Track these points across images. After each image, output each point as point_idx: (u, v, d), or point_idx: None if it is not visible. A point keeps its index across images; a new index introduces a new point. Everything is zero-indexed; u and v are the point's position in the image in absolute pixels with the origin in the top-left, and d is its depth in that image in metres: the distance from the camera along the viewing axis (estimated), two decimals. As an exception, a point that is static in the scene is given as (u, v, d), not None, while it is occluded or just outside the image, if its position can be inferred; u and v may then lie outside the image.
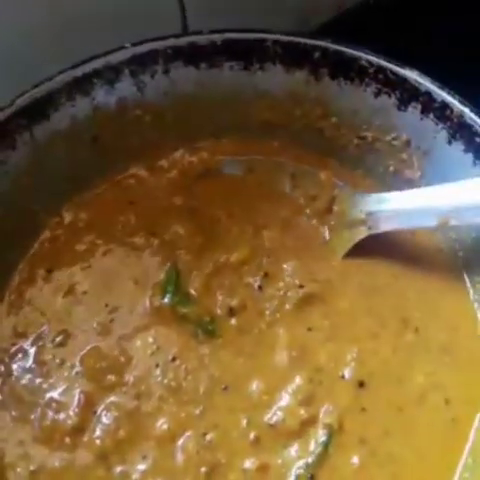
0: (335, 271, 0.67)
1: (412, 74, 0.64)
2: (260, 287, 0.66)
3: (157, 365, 0.61)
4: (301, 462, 0.57)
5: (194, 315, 0.64)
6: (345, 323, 0.64)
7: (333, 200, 0.69)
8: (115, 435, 0.58)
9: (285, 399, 0.59)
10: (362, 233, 0.66)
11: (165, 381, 0.60)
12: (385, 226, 0.65)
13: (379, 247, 0.66)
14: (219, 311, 0.64)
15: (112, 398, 0.60)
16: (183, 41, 0.67)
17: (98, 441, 0.58)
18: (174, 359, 0.61)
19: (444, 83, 0.64)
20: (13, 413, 0.60)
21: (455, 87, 0.63)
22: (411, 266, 0.67)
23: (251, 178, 0.73)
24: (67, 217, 0.70)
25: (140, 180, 0.72)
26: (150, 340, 0.62)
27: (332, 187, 0.70)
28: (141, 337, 0.63)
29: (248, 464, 0.57)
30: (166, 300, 0.64)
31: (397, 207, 0.64)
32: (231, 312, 0.64)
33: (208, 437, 0.58)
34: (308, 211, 0.70)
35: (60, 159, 0.68)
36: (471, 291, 0.66)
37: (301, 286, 0.65)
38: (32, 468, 0.57)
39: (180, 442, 0.58)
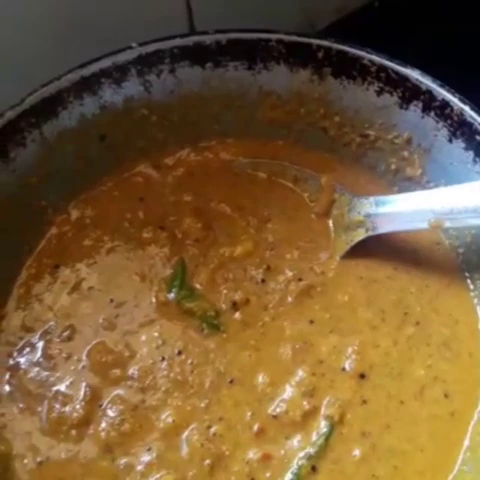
0: (335, 264, 0.68)
1: (413, 73, 0.65)
2: (263, 280, 0.66)
3: (163, 359, 0.62)
4: (303, 453, 0.58)
5: (199, 310, 0.64)
6: (346, 316, 0.64)
7: (332, 204, 0.70)
8: (120, 428, 0.59)
9: (288, 391, 0.60)
10: (360, 235, 0.67)
11: (171, 375, 0.61)
12: (383, 228, 0.66)
13: (380, 243, 0.67)
14: (224, 306, 0.65)
15: (117, 391, 0.61)
16: (189, 41, 0.69)
17: (103, 433, 0.59)
18: (180, 353, 0.62)
19: (445, 82, 0.64)
20: (21, 405, 0.61)
21: (456, 86, 0.64)
22: (412, 261, 0.68)
23: (256, 175, 0.74)
24: (74, 214, 0.71)
25: (147, 177, 0.73)
26: (155, 334, 0.63)
27: (332, 191, 0.70)
28: (146, 332, 0.64)
29: (251, 454, 0.57)
30: (172, 295, 0.65)
31: (395, 210, 0.65)
32: (235, 306, 0.65)
33: (212, 430, 0.59)
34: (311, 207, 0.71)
35: (68, 157, 0.70)
36: (471, 286, 0.66)
37: (301, 279, 0.66)
38: (39, 459, 0.58)
39: (185, 435, 0.58)
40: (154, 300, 0.66)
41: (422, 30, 0.85)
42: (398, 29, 0.85)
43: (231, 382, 0.61)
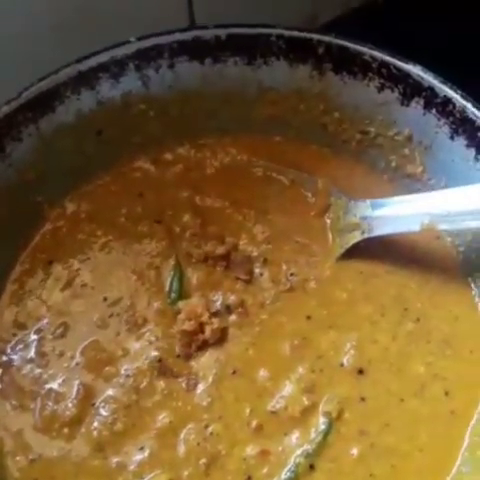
0: (332, 261, 0.67)
1: (415, 69, 0.64)
2: (261, 274, 0.66)
3: (159, 360, 0.61)
4: (301, 450, 0.57)
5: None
6: (344, 311, 0.64)
7: (328, 208, 0.70)
8: (113, 427, 0.58)
9: (288, 387, 0.59)
10: (356, 237, 0.66)
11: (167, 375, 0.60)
12: (379, 230, 0.65)
13: (378, 238, 0.66)
14: (219, 306, 0.64)
15: (111, 391, 0.60)
16: (188, 36, 0.68)
17: (95, 432, 0.58)
18: (178, 356, 0.61)
19: (448, 78, 0.64)
20: (13, 402, 0.60)
21: (457, 82, 0.63)
22: (412, 257, 0.67)
23: (254, 171, 0.73)
24: (69, 208, 0.70)
25: (145, 173, 0.73)
26: (149, 335, 0.62)
27: (328, 195, 0.70)
28: (141, 331, 0.63)
29: (249, 451, 0.57)
30: (168, 297, 0.64)
31: (391, 213, 0.65)
32: (229, 308, 0.64)
33: (210, 429, 0.58)
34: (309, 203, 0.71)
35: (65, 152, 0.69)
36: (472, 284, 0.66)
37: (298, 274, 0.66)
38: (31, 457, 0.57)
39: (180, 434, 0.58)
40: (149, 300, 0.65)
41: (425, 28, 0.85)
42: (402, 25, 0.84)
43: (234, 373, 0.60)
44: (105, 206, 0.70)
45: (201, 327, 0.62)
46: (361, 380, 0.60)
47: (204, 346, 0.62)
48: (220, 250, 0.66)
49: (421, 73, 0.64)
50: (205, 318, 0.62)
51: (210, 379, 0.60)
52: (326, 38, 0.67)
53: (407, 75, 0.65)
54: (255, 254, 0.67)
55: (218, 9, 0.78)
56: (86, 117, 0.69)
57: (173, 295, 0.64)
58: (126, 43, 0.67)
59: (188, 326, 0.61)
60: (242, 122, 0.73)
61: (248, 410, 0.59)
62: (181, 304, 0.63)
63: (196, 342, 0.62)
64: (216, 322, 0.62)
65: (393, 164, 0.70)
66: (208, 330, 0.61)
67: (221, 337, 0.62)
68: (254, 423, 0.58)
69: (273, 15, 0.72)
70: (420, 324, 0.63)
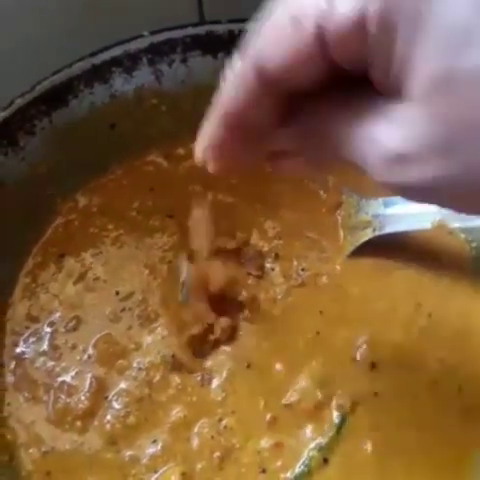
0: (344, 257, 0.67)
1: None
2: (272, 269, 0.66)
3: (173, 356, 0.61)
4: (314, 443, 0.57)
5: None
6: (356, 305, 0.64)
7: (339, 205, 0.70)
8: (125, 420, 0.58)
9: (302, 381, 0.59)
10: (367, 235, 0.66)
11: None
12: (390, 228, 0.65)
13: (391, 235, 0.66)
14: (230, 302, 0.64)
15: (124, 384, 0.60)
16: (201, 30, 0.68)
17: (108, 425, 0.58)
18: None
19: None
20: (26, 395, 0.60)
21: None
22: (424, 253, 0.66)
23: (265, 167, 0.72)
24: (81, 201, 0.71)
25: (158, 167, 0.73)
26: (161, 330, 0.62)
27: (339, 193, 0.70)
28: (153, 326, 0.63)
29: (263, 443, 0.57)
30: (180, 294, 0.64)
31: (403, 210, 0.65)
32: (241, 305, 0.64)
33: (224, 423, 0.58)
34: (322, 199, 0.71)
35: (78, 145, 0.69)
36: (485, 280, 0.66)
37: (308, 269, 0.66)
38: (44, 449, 0.58)
39: (194, 428, 0.58)
40: (161, 294, 0.64)
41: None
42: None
43: (248, 367, 0.60)
44: (117, 200, 0.70)
45: (210, 328, 0.62)
46: (374, 375, 0.60)
47: (217, 344, 0.62)
48: (231, 245, 0.66)
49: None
50: (211, 319, 0.62)
51: (224, 374, 0.60)
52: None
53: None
54: (266, 249, 0.67)
55: (226, 4, 0.77)
56: (99, 111, 0.69)
57: (184, 291, 0.64)
58: (139, 37, 0.68)
59: (196, 330, 0.61)
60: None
61: (262, 403, 0.59)
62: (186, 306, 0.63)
63: (208, 343, 0.61)
64: (224, 321, 0.62)
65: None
66: (217, 329, 0.61)
67: (233, 333, 0.62)
68: (268, 416, 0.58)
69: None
70: (433, 319, 0.63)
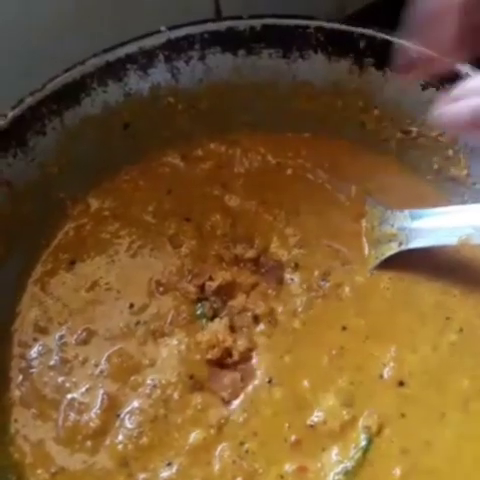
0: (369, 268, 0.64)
1: (464, 68, 0.61)
2: (291, 279, 0.63)
3: (191, 377, 0.58)
4: (340, 467, 0.54)
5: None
6: (381, 319, 0.61)
7: (363, 214, 0.67)
8: (138, 441, 0.55)
9: (327, 400, 0.57)
10: (392, 249, 0.63)
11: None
12: (416, 243, 0.62)
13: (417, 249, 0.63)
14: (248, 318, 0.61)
15: (137, 402, 0.57)
16: (221, 26, 0.65)
17: (120, 446, 0.55)
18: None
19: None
20: (34, 411, 0.57)
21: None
22: (454, 265, 0.64)
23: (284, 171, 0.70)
24: (94, 204, 0.68)
25: (174, 168, 0.70)
26: (176, 343, 0.59)
27: (362, 202, 0.67)
28: (169, 340, 0.60)
29: (286, 467, 0.54)
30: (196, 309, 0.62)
31: (430, 224, 0.62)
32: (256, 318, 0.61)
33: (246, 446, 0.55)
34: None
35: (90, 146, 0.66)
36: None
37: (330, 280, 0.63)
38: (53, 470, 0.55)
39: (214, 452, 0.55)
40: (177, 308, 0.61)
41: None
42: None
43: (271, 383, 0.58)
44: (131, 203, 0.68)
45: (227, 351, 0.59)
46: (401, 393, 0.57)
47: (235, 365, 0.59)
48: (250, 253, 0.64)
49: (469, 71, 0.60)
50: (229, 343, 0.59)
51: (244, 393, 0.57)
52: (369, 31, 0.63)
53: (455, 74, 0.61)
54: (286, 258, 0.64)
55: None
56: (113, 110, 0.66)
57: (200, 310, 0.61)
58: (156, 33, 0.65)
59: (212, 355, 0.58)
60: (274, 118, 0.70)
61: (286, 425, 0.56)
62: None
63: (226, 367, 0.59)
64: (242, 343, 0.59)
65: (435, 166, 0.67)
66: (236, 354, 0.59)
67: (250, 350, 0.59)
68: (292, 438, 0.55)
69: (298, 6, 0.68)
70: (464, 335, 0.60)
